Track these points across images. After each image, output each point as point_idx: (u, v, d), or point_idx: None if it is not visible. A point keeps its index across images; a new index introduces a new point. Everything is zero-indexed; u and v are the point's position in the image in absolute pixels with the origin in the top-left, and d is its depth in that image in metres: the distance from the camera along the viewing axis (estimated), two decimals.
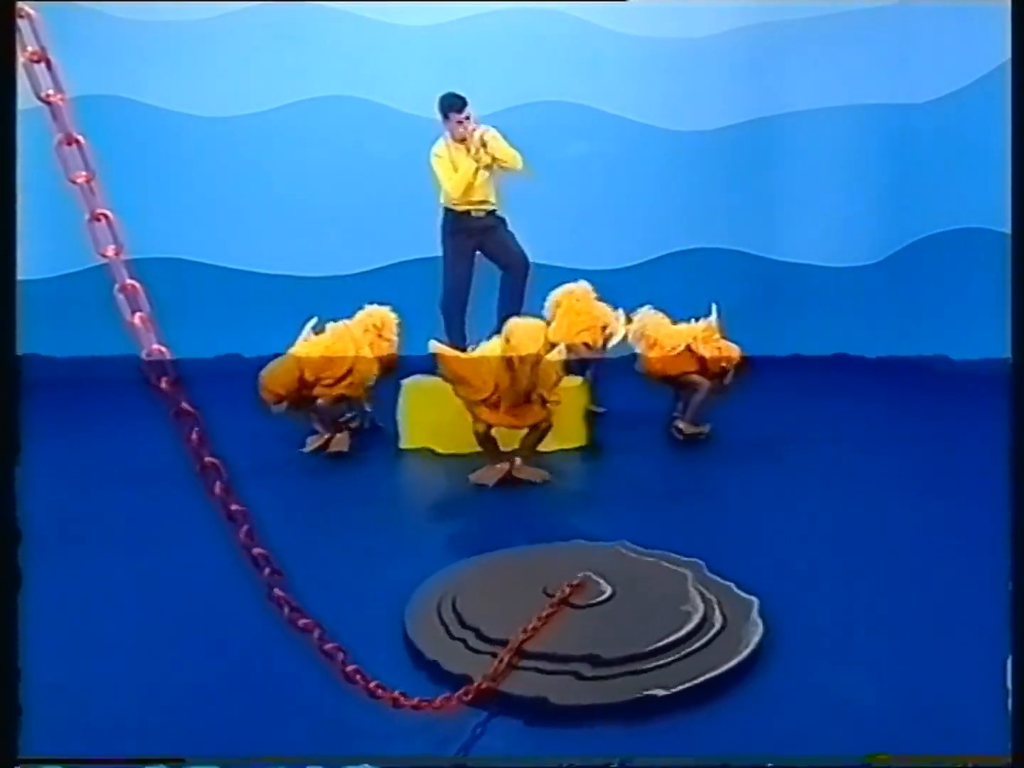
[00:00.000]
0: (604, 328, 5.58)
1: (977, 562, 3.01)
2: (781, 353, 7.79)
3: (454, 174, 5.12)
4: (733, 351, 5.21)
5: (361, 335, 5.09)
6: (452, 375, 4.38)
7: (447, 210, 5.29)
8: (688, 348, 5.10)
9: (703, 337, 5.12)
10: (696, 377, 5.14)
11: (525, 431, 4.46)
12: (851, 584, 3.06)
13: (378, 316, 5.24)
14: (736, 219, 7.77)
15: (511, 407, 4.29)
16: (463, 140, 5.11)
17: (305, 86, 7.94)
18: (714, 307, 5.18)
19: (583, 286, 5.73)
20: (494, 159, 5.09)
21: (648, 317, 5.27)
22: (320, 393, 4.95)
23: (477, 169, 5.10)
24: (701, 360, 5.11)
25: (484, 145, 5.06)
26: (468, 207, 5.25)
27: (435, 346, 4.42)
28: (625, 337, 5.37)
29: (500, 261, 5.38)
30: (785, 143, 8.08)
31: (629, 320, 5.38)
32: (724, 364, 5.16)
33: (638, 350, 5.24)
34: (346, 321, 5.12)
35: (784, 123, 8.08)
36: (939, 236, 7.85)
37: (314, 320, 5.08)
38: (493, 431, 4.48)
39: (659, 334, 5.16)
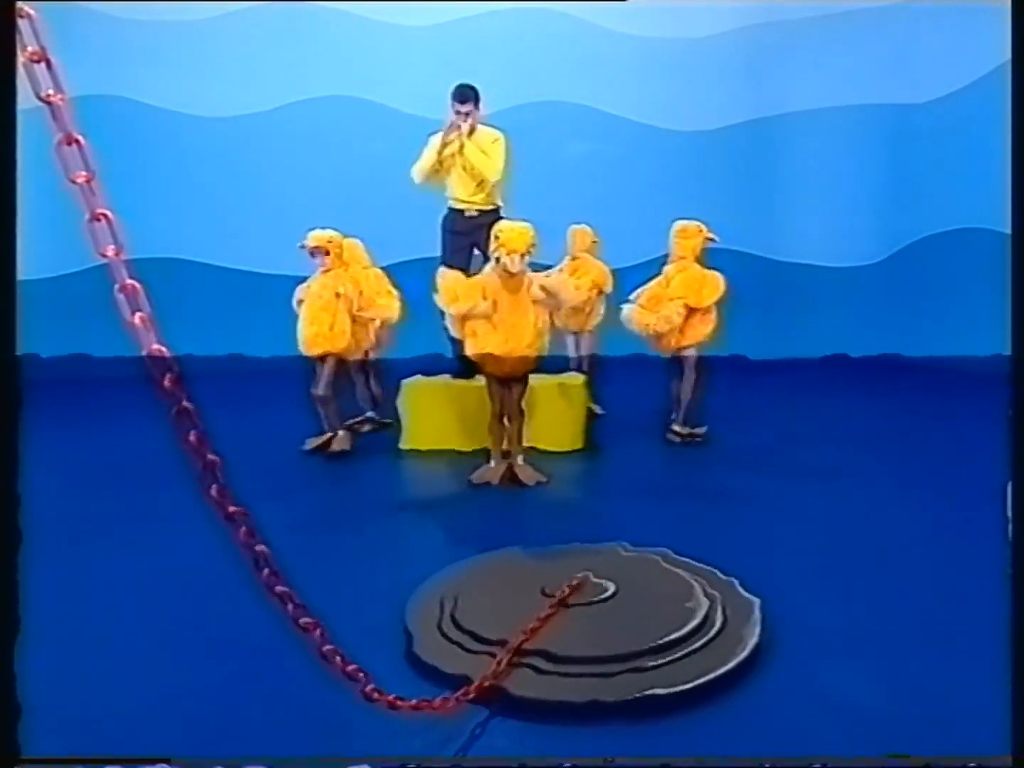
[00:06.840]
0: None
1: (977, 562, 3.00)
2: (781, 354, 7.79)
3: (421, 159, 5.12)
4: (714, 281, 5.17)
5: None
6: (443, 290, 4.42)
7: (448, 209, 5.28)
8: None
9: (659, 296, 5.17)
10: (690, 353, 5.18)
11: (512, 427, 4.52)
12: (852, 584, 3.06)
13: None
14: (736, 219, 7.77)
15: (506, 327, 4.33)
16: (455, 129, 5.01)
17: (305, 86, 7.95)
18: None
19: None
20: (471, 164, 5.01)
21: (628, 307, 5.33)
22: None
23: (438, 160, 5.03)
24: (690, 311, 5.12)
25: (460, 148, 4.99)
26: (463, 206, 5.24)
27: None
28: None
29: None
30: (785, 143, 8.08)
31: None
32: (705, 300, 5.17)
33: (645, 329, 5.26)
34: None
35: (784, 123, 8.08)
36: (939, 236, 7.86)
37: None
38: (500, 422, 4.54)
39: (639, 312, 5.23)
